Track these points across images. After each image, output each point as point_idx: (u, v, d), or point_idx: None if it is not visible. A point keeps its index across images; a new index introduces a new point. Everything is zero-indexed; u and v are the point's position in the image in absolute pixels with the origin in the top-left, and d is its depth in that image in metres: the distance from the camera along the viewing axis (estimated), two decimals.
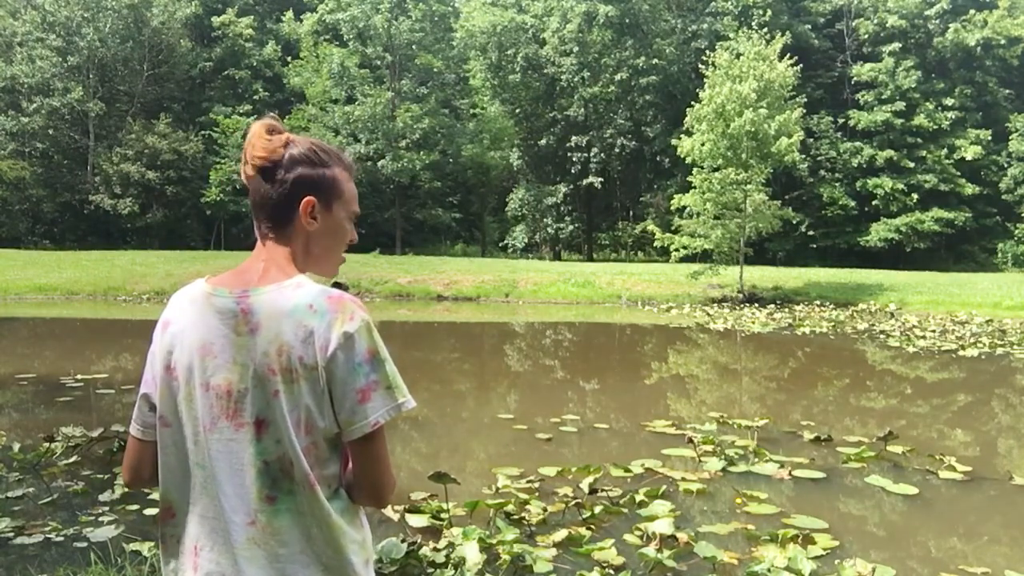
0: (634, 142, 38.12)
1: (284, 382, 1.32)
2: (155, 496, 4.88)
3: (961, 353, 12.40)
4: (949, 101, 36.32)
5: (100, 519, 4.54)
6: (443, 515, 4.56)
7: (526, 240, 41.11)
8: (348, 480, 1.41)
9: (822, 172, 36.78)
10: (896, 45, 36.50)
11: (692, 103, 22.57)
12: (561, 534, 4.36)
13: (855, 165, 36.47)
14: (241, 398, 1.33)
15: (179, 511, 1.40)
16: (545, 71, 39.41)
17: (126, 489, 5.10)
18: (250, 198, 1.47)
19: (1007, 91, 37.40)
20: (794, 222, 28.70)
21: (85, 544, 4.14)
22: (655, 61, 36.43)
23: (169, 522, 1.42)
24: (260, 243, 1.44)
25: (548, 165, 41.45)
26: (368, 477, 1.38)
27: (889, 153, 36.03)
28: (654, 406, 8.66)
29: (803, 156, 23.92)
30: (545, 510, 4.72)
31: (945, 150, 36.03)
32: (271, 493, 1.33)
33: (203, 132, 39.38)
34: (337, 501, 1.38)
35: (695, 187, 22.05)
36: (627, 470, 5.68)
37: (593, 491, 5.09)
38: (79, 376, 9.32)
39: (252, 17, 43.61)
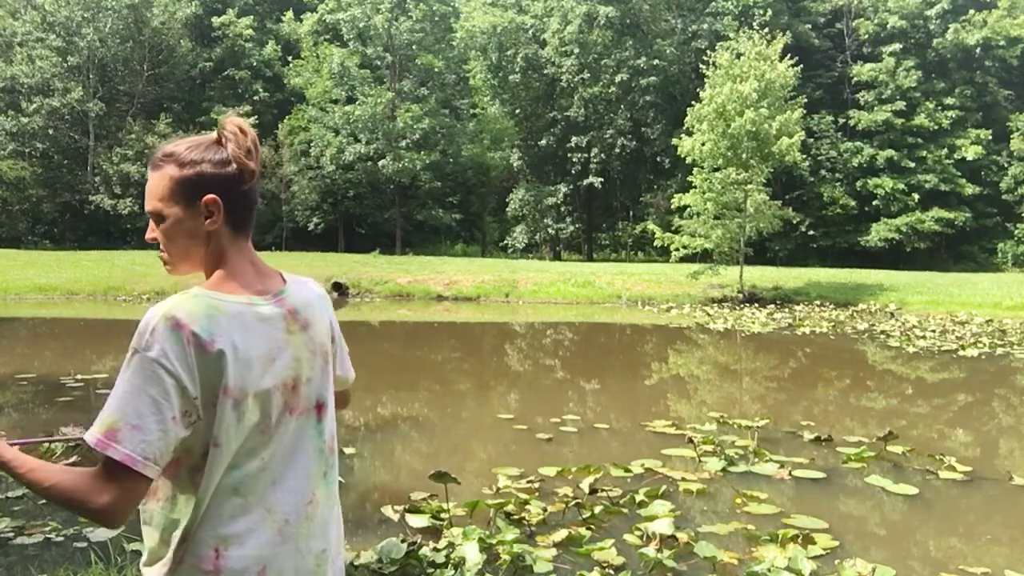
0: (634, 142, 38.11)
1: (328, 363, 1.54)
2: None
3: (961, 353, 12.40)
4: (949, 101, 36.32)
5: None
6: (443, 515, 4.56)
7: (526, 240, 41.10)
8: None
9: (822, 172, 36.78)
10: (896, 45, 36.50)
11: (692, 103, 22.57)
12: (561, 534, 4.36)
13: (855, 165, 36.48)
14: (304, 388, 1.47)
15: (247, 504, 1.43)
16: (545, 71, 39.41)
17: None
18: (251, 199, 1.48)
19: (1007, 91, 37.38)
20: (794, 222, 28.69)
21: (85, 544, 4.14)
22: (655, 61, 36.42)
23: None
24: (244, 242, 1.47)
25: (548, 165, 41.45)
26: (343, 405, 1.72)
27: (889, 153, 36.03)
28: (654, 406, 8.66)
29: (803, 156, 23.90)
30: (545, 510, 4.72)
31: (945, 150, 36.03)
32: (326, 468, 1.52)
33: (203, 132, 38.96)
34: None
35: (695, 187, 22.05)
36: (627, 470, 5.68)
37: (593, 491, 5.09)
38: (79, 376, 9.31)
39: (252, 17, 43.59)
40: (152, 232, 1.46)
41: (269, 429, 1.42)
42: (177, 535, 1.38)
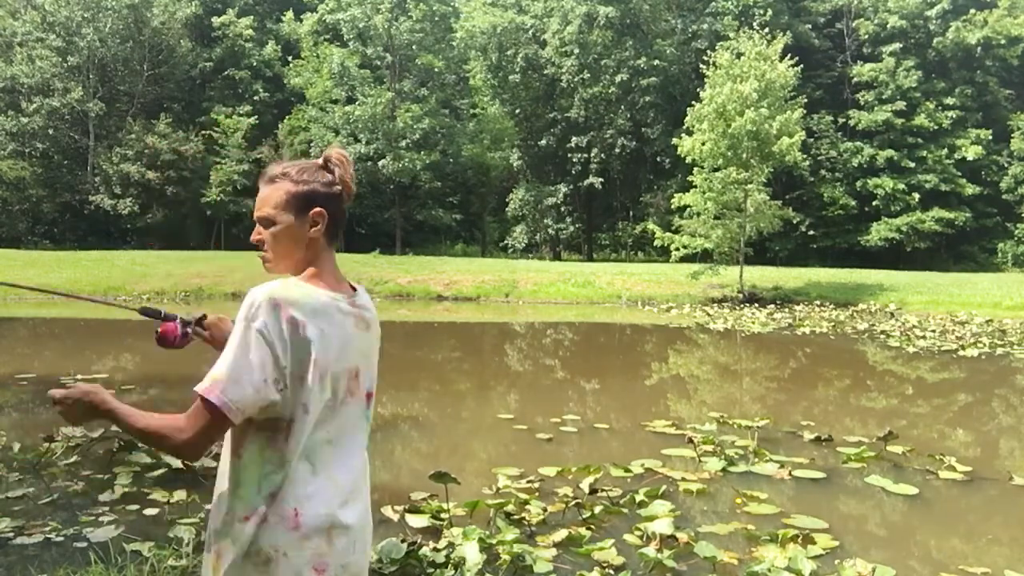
0: (634, 142, 38.11)
1: (375, 361, 1.83)
2: (155, 496, 4.89)
3: (961, 353, 12.40)
4: (949, 101, 36.32)
5: (100, 519, 4.53)
6: (443, 515, 4.55)
7: (526, 240, 41.10)
8: None
9: (822, 172, 36.79)
10: (896, 45, 36.50)
11: (692, 103, 22.58)
12: (561, 534, 4.36)
13: (855, 165, 36.48)
14: (362, 377, 1.76)
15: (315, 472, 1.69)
16: (545, 72, 39.40)
17: (126, 489, 5.10)
18: (345, 215, 1.80)
19: (1008, 91, 37.39)
20: (794, 222, 28.68)
21: (85, 544, 4.14)
22: (655, 62, 36.42)
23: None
24: (333, 251, 1.78)
25: (548, 165, 41.44)
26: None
27: (889, 153, 36.03)
28: (654, 406, 8.66)
29: (804, 156, 23.90)
30: (545, 510, 4.72)
31: (945, 150, 36.04)
32: (367, 442, 1.82)
33: (203, 132, 39.38)
34: None
35: (696, 187, 22.06)
36: (627, 470, 5.68)
37: (593, 491, 5.08)
38: (79, 376, 9.30)
39: (252, 17, 43.60)
40: (259, 235, 1.75)
41: (336, 407, 1.69)
42: (271, 491, 1.62)
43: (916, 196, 35.30)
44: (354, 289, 1.79)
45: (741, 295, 21.79)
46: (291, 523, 1.61)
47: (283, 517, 1.61)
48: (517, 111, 41.45)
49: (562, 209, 40.13)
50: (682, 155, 22.26)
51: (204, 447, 1.60)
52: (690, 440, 6.28)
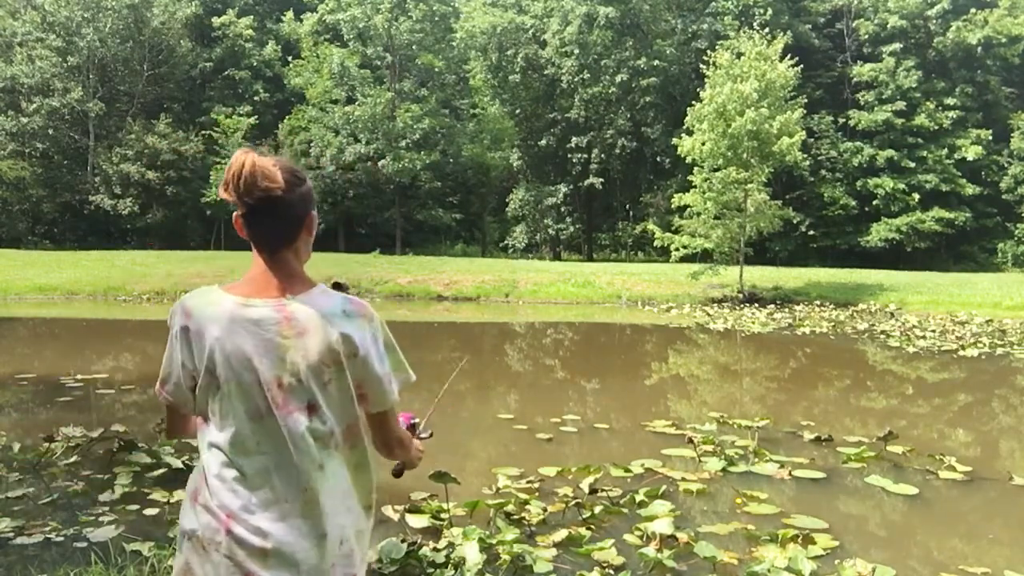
0: (634, 142, 38.10)
1: (334, 373, 1.66)
2: (155, 496, 4.90)
3: (961, 353, 12.40)
4: (950, 101, 36.30)
5: (100, 519, 4.53)
6: (443, 515, 4.56)
7: (526, 240, 41.10)
8: (376, 441, 1.81)
9: (823, 172, 36.78)
10: (897, 45, 36.49)
11: (692, 103, 22.57)
12: (561, 534, 4.36)
13: (856, 165, 36.47)
14: (293, 389, 1.64)
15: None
16: (545, 72, 39.40)
17: (126, 489, 5.10)
18: (251, 226, 1.68)
19: (1008, 90, 37.38)
20: (795, 222, 28.65)
21: (85, 544, 4.14)
22: (655, 62, 36.42)
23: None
24: (266, 254, 1.70)
25: (548, 165, 41.44)
26: (390, 436, 1.82)
27: (890, 153, 36.02)
28: (654, 406, 8.66)
29: (804, 156, 23.90)
30: (545, 510, 4.72)
31: (946, 150, 36.02)
32: (321, 462, 1.66)
33: (203, 132, 39.38)
34: (360, 454, 1.75)
35: (696, 187, 22.05)
36: (627, 470, 5.67)
37: (593, 491, 5.08)
38: (79, 376, 9.31)
39: (252, 17, 43.61)
40: None
41: (256, 417, 1.64)
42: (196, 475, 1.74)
43: (916, 196, 35.30)
44: (292, 294, 1.67)
45: (741, 295, 21.78)
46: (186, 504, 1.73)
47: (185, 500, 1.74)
48: (517, 111, 41.45)
49: (562, 209, 40.13)
50: (682, 155, 22.25)
51: (173, 432, 1.84)
52: (690, 440, 6.28)
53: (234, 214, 1.70)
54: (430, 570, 3.76)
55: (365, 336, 1.68)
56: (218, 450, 1.66)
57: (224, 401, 1.65)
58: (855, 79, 37.69)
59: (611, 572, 3.88)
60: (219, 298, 1.67)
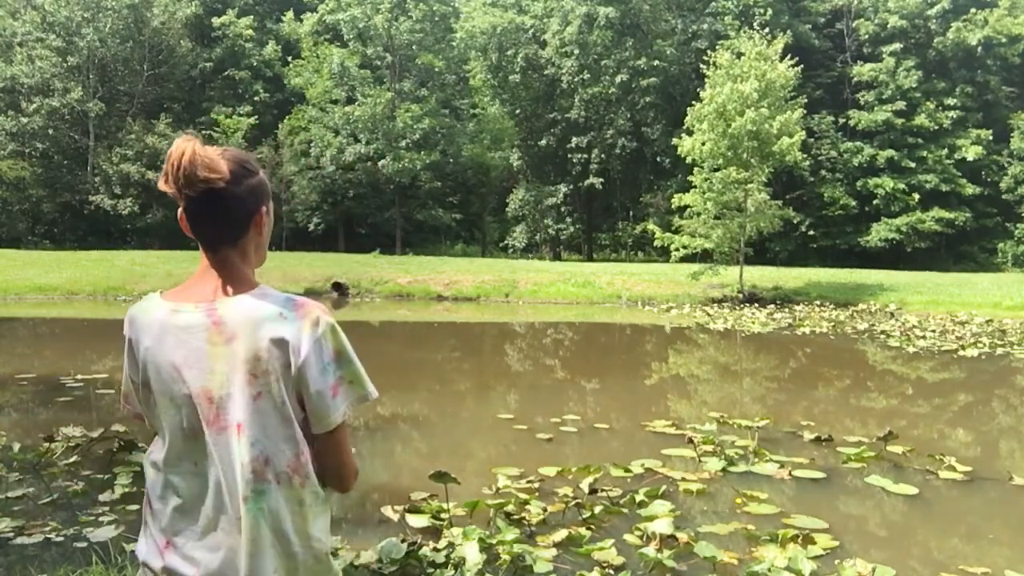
0: (634, 143, 38.11)
1: (263, 385, 1.45)
2: None
3: (961, 353, 12.40)
4: (950, 101, 36.31)
5: (100, 519, 4.54)
6: (443, 515, 4.55)
7: (526, 240, 41.11)
8: (316, 468, 1.53)
9: (823, 172, 36.79)
10: (897, 45, 36.50)
11: (692, 103, 22.56)
12: (561, 534, 4.36)
13: (856, 165, 36.48)
14: (223, 403, 1.45)
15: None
16: (545, 72, 39.41)
17: (126, 489, 5.10)
18: (191, 217, 1.51)
19: (1008, 90, 37.36)
20: (795, 222, 28.64)
21: (85, 544, 4.14)
22: (655, 62, 36.43)
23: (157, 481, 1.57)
24: (209, 253, 1.53)
25: (548, 166, 41.45)
26: (334, 464, 1.54)
27: (890, 153, 36.03)
28: (654, 406, 8.66)
29: (804, 156, 23.89)
30: (545, 510, 4.72)
31: (946, 150, 36.03)
32: (248, 492, 1.44)
33: (203, 132, 39.35)
34: (309, 490, 1.50)
35: (696, 187, 22.04)
36: (627, 470, 5.67)
37: (593, 491, 5.08)
38: (79, 376, 9.31)
39: (252, 17, 43.61)
40: None
41: (195, 436, 1.48)
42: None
43: (916, 196, 35.31)
44: (226, 296, 1.49)
45: (741, 295, 21.78)
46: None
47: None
48: (517, 111, 41.46)
49: (562, 209, 40.13)
50: (682, 155, 22.24)
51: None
52: (690, 440, 6.28)
53: (179, 210, 1.52)
54: (430, 570, 3.76)
55: (304, 342, 1.44)
56: (157, 470, 1.53)
57: (161, 416, 1.51)
58: (855, 79, 37.69)
59: (611, 572, 3.88)
60: (154, 305, 1.52)
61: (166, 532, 1.50)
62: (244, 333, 1.44)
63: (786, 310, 19.87)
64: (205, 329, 1.46)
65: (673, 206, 23.69)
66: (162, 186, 1.48)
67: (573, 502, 4.86)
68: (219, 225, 1.51)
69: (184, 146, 1.45)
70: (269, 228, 1.61)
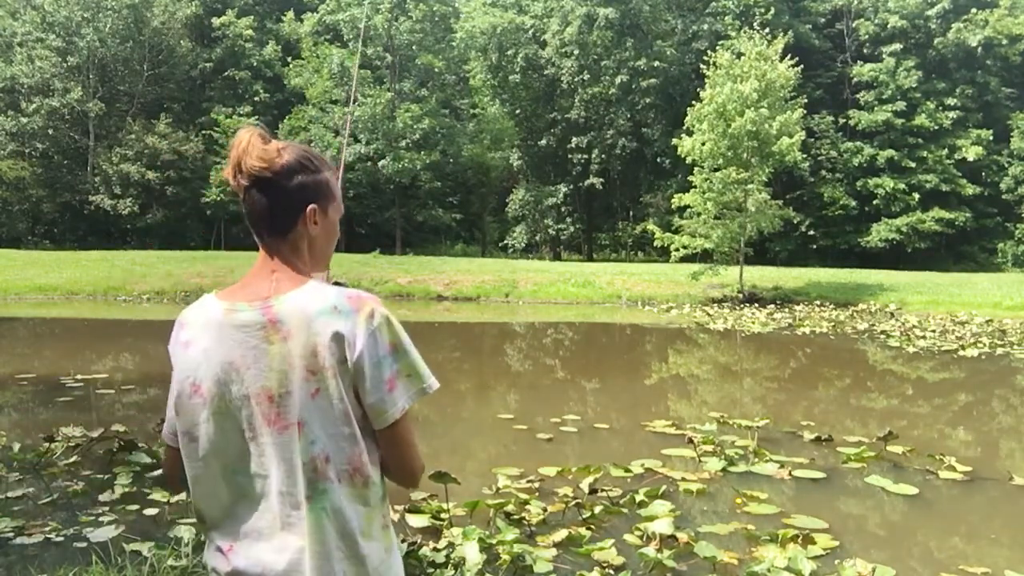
0: (634, 143, 38.11)
1: (320, 381, 1.40)
2: (155, 496, 4.90)
3: (961, 353, 12.40)
4: (950, 101, 36.30)
5: (100, 519, 4.54)
6: (443, 515, 4.56)
7: (526, 240, 41.10)
8: (382, 464, 1.50)
9: (823, 172, 36.78)
10: (897, 45, 36.49)
11: (692, 103, 22.57)
12: (561, 534, 4.36)
13: (856, 165, 36.48)
14: (283, 402, 1.42)
15: (209, 518, 1.51)
16: (545, 72, 39.41)
17: (126, 489, 5.10)
18: (245, 208, 1.50)
19: (1009, 90, 37.34)
20: (795, 222, 28.63)
21: (85, 544, 4.14)
22: (655, 62, 36.42)
23: (201, 528, 1.54)
24: (264, 251, 1.50)
25: (548, 166, 41.45)
26: (399, 459, 1.50)
27: (890, 153, 36.02)
28: (654, 406, 8.66)
29: (804, 156, 23.91)
30: (545, 510, 4.72)
31: (946, 150, 36.01)
32: (309, 492, 1.41)
33: (203, 132, 39.40)
34: (372, 489, 1.47)
35: (696, 187, 22.05)
36: (627, 470, 5.68)
37: (593, 491, 5.08)
38: (79, 376, 9.31)
39: (252, 17, 43.60)
40: None
41: (254, 437, 1.44)
42: None
43: (916, 196, 35.29)
44: (281, 293, 1.46)
45: (741, 295, 21.78)
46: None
47: None
48: (517, 111, 41.46)
49: (562, 209, 40.12)
50: (682, 155, 22.25)
51: (174, 480, 1.57)
52: (690, 440, 6.28)
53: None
54: (430, 570, 3.76)
55: (359, 335, 1.41)
56: (214, 473, 1.48)
57: (215, 419, 1.46)
58: (855, 79, 37.68)
59: (611, 572, 3.88)
60: (209, 305, 1.49)
61: (230, 536, 1.47)
62: (299, 329, 1.41)
63: (786, 310, 19.87)
64: (262, 327, 1.43)
65: (673, 206, 23.70)
66: (224, 174, 1.50)
67: (573, 502, 4.86)
68: (262, 216, 1.48)
69: (243, 135, 1.46)
70: (328, 232, 1.57)
